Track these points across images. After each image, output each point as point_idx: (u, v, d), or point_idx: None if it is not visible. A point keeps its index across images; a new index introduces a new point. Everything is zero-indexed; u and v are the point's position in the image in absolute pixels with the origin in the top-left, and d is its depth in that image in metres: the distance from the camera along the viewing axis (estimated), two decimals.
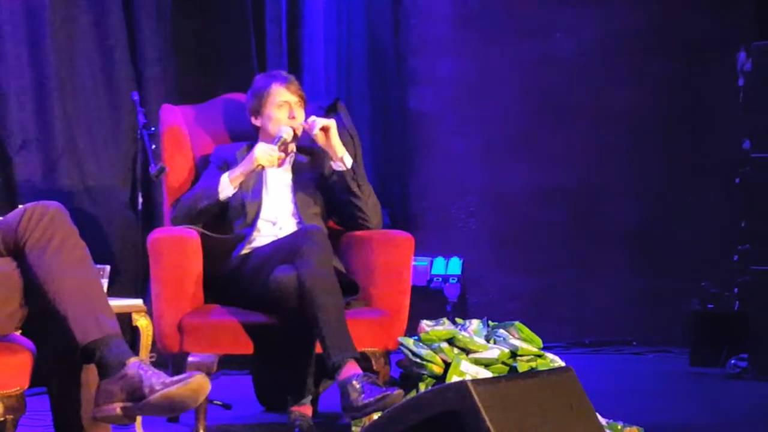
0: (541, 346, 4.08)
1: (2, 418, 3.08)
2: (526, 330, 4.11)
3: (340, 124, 4.45)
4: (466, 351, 3.98)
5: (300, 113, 4.40)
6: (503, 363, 3.97)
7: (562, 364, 3.92)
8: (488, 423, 2.51)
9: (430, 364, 3.96)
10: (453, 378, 3.86)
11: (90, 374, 3.06)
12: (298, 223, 4.31)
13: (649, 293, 6.70)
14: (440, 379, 3.94)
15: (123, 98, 5.44)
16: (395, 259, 4.26)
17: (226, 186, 4.25)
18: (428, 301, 6.63)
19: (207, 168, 4.42)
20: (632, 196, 6.84)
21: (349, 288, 4.12)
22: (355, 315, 4.05)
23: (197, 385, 2.88)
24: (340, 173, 4.31)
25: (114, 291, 4.24)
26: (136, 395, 2.89)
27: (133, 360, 2.93)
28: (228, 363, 5.22)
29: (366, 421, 3.86)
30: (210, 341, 4.03)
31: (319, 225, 4.25)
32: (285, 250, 4.00)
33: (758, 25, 6.41)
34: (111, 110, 5.51)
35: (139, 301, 4.16)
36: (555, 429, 2.74)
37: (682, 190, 6.75)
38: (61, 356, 3.06)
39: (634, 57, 6.84)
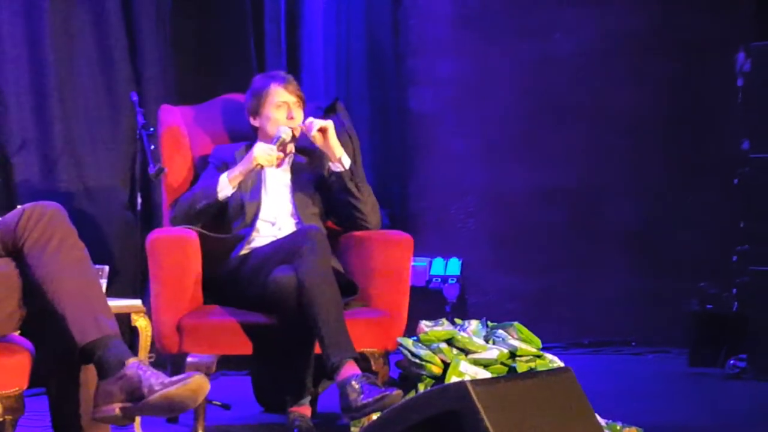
0: (540, 346, 4.08)
1: (1, 419, 3.08)
2: (525, 330, 4.11)
3: (339, 125, 4.45)
4: (465, 351, 3.98)
5: (299, 113, 4.40)
6: (502, 363, 3.97)
7: (561, 364, 3.92)
8: (487, 423, 2.51)
9: (429, 365, 3.96)
10: (452, 378, 3.86)
11: (89, 375, 3.06)
12: (297, 223, 4.31)
13: (648, 293, 6.70)
14: (439, 379, 3.94)
15: (122, 98, 5.44)
16: (394, 260, 4.26)
17: (225, 186, 4.25)
18: (427, 301, 6.63)
19: (206, 168, 4.42)
20: (632, 196, 6.84)
21: (348, 288, 4.12)
22: (354, 315, 4.05)
23: (196, 385, 2.88)
24: (339, 174, 4.31)
25: (113, 291, 4.25)
26: (135, 395, 2.89)
27: (132, 360, 2.93)
28: (227, 363, 5.22)
29: (365, 421, 3.86)
30: (209, 341, 4.03)
31: (318, 225, 4.25)
32: (284, 250, 4.00)
33: (757, 25, 6.41)
34: (110, 110, 5.51)
35: (138, 302, 4.16)
36: (554, 429, 2.74)
37: (682, 191, 6.75)
38: (60, 357, 3.06)
39: (633, 57, 6.84)
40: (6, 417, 3.08)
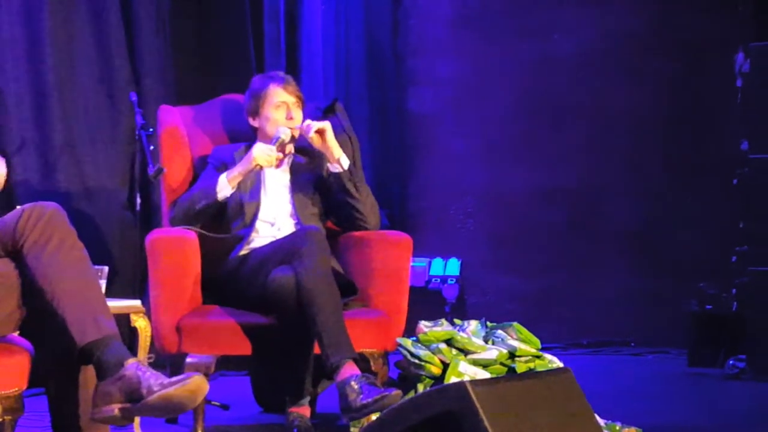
0: (540, 346, 4.08)
1: (1, 419, 3.08)
2: (525, 331, 4.11)
3: (338, 125, 4.45)
4: (465, 352, 3.98)
5: (298, 114, 4.40)
6: (501, 364, 3.96)
7: (561, 364, 3.91)
8: (486, 424, 2.51)
9: (428, 365, 3.95)
10: (451, 379, 3.86)
11: (88, 375, 3.07)
12: (297, 223, 4.31)
13: (647, 294, 6.70)
14: (438, 379, 3.94)
15: (121, 99, 5.44)
16: (393, 260, 4.26)
17: (224, 186, 4.25)
18: (426, 301, 6.63)
19: (205, 169, 4.42)
20: (631, 196, 6.84)
21: (348, 289, 4.12)
22: (354, 316, 4.05)
23: (195, 385, 2.88)
24: (338, 175, 4.31)
25: (112, 292, 4.25)
26: (134, 396, 2.89)
27: (131, 361, 2.93)
28: (226, 364, 5.23)
29: (364, 421, 3.86)
30: (208, 342, 4.02)
31: (317, 226, 4.25)
32: (283, 250, 4.00)
33: (756, 26, 6.41)
34: (109, 111, 5.51)
35: (137, 302, 4.16)
36: (553, 430, 2.74)
37: (681, 191, 6.75)
38: (60, 357, 3.06)
39: (633, 57, 6.85)
40: (5, 417, 3.08)
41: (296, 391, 4.00)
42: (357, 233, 4.36)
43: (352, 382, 3.73)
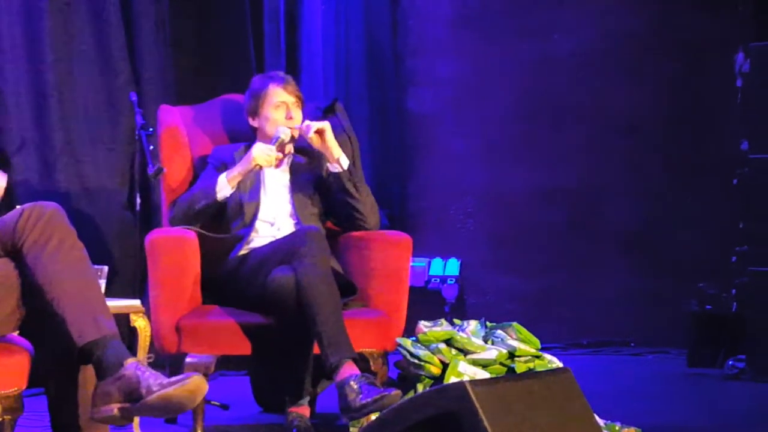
0: (539, 347, 4.08)
1: (0, 419, 3.08)
2: (524, 331, 4.11)
3: (338, 125, 4.45)
4: (464, 352, 3.98)
5: (298, 114, 4.40)
6: (501, 364, 3.97)
7: (560, 364, 3.92)
8: (486, 424, 2.51)
9: (428, 365, 3.96)
10: (451, 379, 3.86)
11: (88, 375, 3.07)
12: (296, 223, 4.31)
13: (647, 294, 6.70)
14: (438, 379, 3.94)
15: (121, 99, 5.44)
16: (393, 260, 4.26)
17: (224, 186, 4.25)
18: (426, 301, 6.63)
19: (205, 169, 4.42)
20: (631, 196, 6.84)
21: (347, 289, 4.12)
22: (353, 315, 4.05)
23: (194, 385, 2.88)
24: (337, 174, 4.31)
25: (112, 292, 4.25)
26: (133, 396, 2.89)
27: (130, 361, 2.93)
28: (226, 363, 5.23)
29: (364, 421, 3.86)
30: (208, 342, 4.02)
31: (317, 226, 4.25)
32: (283, 250, 4.00)
33: (756, 26, 6.41)
34: (109, 111, 5.51)
35: (136, 302, 4.16)
36: (553, 430, 2.74)
37: (681, 191, 6.75)
38: (59, 357, 3.06)
39: (633, 57, 6.84)
40: (5, 417, 3.08)
41: (296, 391, 4.00)
42: (357, 233, 4.36)
43: (352, 382, 3.73)
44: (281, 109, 4.38)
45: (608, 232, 6.85)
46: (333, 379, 3.81)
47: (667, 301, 6.55)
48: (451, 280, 6.80)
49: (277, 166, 4.37)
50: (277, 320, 3.96)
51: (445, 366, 3.94)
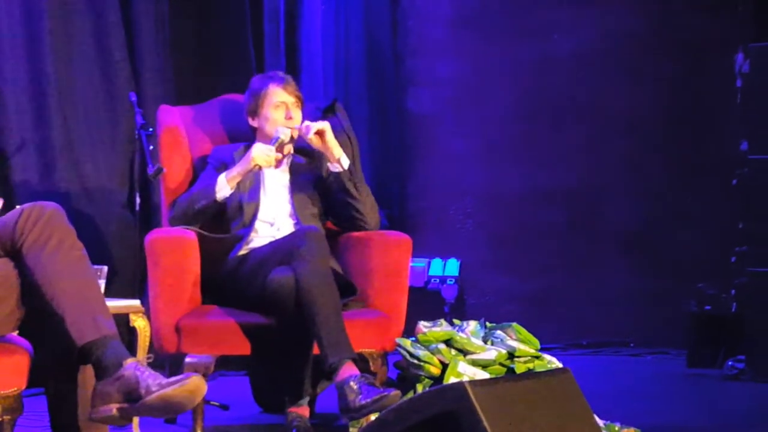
0: (539, 347, 4.08)
1: (0, 419, 3.08)
2: (524, 331, 4.11)
3: (338, 126, 4.45)
4: (464, 352, 3.98)
5: (297, 114, 4.40)
6: (500, 364, 3.97)
7: (560, 365, 3.92)
8: (485, 424, 2.51)
9: (427, 365, 3.96)
10: (450, 379, 3.86)
11: (87, 375, 3.07)
12: (296, 224, 4.31)
13: (647, 294, 6.70)
14: (437, 380, 3.94)
15: (121, 99, 5.44)
16: (393, 260, 4.26)
17: (223, 186, 4.25)
18: (426, 302, 6.63)
19: (204, 169, 4.42)
20: (630, 196, 6.84)
21: (347, 289, 4.12)
22: (353, 316, 4.05)
23: (194, 386, 2.88)
24: (338, 174, 4.31)
25: (111, 292, 4.25)
26: (132, 396, 2.89)
27: (130, 361, 2.93)
28: (225, 364, 5.23)
29: (363, 422, 3.86)
30: (207, 342, 4.02)
31: (316, 226, 4.25)
32: (282, 251, 4.00)
33: (756, 26, 6.41)
34: (109, 111, 5.51)
35: (136, 302, 4.15)
36: (552, 430, 2.74)
37: (681, 191, 6.75)
38: (59, 357, 3.06)
39: (632, 57, 6.84)
40: (5, 417, 3.08)
41: (295, 392, 4.00)
42: (356, 233, 4.36)
43: (351, 383, 3.73)
44: (281, 109, 4.38)
45: (608, 232, 6.85)
46: (332, 380, 3.81)
47: (667, 301, 6.55)
48: (450, 281, 6.80)
49: (277, 166, 4.37)
50: (276, 320, 3.96)
51: (444, 366, 3.95)
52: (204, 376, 3.02)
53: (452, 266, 6.83)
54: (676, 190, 6.76)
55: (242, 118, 4.48)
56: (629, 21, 6.83)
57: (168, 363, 4.28)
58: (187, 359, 4.00)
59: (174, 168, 4.46)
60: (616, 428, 3.96)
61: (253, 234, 4.28)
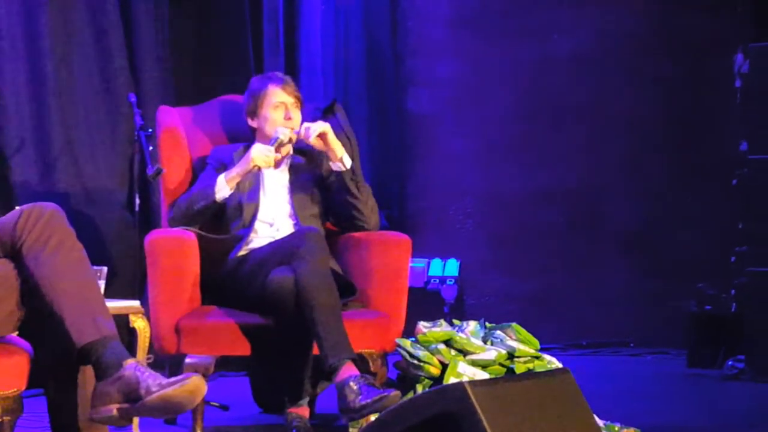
0: (539, 347, 4.08)
1: (0, 420, 3.08)
2: (524, 331, 4.11)
3: (337, 126, 4.45)
4: (464, 352, 3.98)
5: (296, 114, 4.40)
6: (500, 364, 3.96)
7: (560, 365, 3.92)
8: (485, 424, 2.51)
9: (427, 366, 3.95)
10: (450, 379, 3.86)
11: (87, 375, 3.06)
12: (296, 224, 4.31)
13: (646, 294, 6.70)
14: (437, 380, 3.94)
15: (120, 99, 5.44)
16: (392, 261, 4.26)
17: (223, 187, 4.25)
18: (425, 302, 6.63)
19: (204, 169, 4.42)
20: (630, 197, 6.84)
21: (347, 289, 4.12)
22: (353, 316, 4.05)
23: (194, 386, 2.88)
24: (339, 174, 4.31)
25: (111, 292, 4.25)
26: (132, 396, 2.89)
27: (130, 361, 2.93)
28: (225, 364, 5.23)
29: (363, 422, 3.86)
30: (207, 343, 4.03)
31: (316, 226, 4.25)
32: (282, 251, 4.00)
33: (756, 26, 6.41)
34: (108, 112, 5.51)
35: (136, 303, 4.16)
36: (552, 430, 2.74)
37: (681, 192, 6.75)
38: (59, 358, 3.06)
39: (632, 58, 6.84)
40: (5, 418, 3.08)
41: (295, 392, 4.00)
42: (356, 234, 4.36)
43: (351, 383, 3.73)
44: (280, 110, 4.38)
45: (608, 232, 6.85)
46: (332, 380, 3.81)
47: (667, 301, 6.55)
48: (450, 281, 6.79)
49: (276, 166, 4.36)
50: (276, 321, 3.96)
51: (444, 367, 3.94)
52: (204, 376, 3.02)
53: (452, 266, 6.83)
54: (676, 190, 6.76)
55: (241, 119, 4.48)
56: (629, 21, 6.84)
57: (168, 363, 4.28)
58: (187, 360, 4.00)
59: (173, 168, 4.46)
60: (616, 428, 3.96)
61: (252, 234, 4.28)
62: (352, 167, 4.31)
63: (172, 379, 2.88)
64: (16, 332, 3.14)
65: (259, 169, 4.26)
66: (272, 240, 4.21)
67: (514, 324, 4.14)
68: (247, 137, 4.48)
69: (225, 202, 4.28)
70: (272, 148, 4.27)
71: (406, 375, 4.03)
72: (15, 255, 3.02)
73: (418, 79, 7.02)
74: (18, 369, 3.07)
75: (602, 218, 6.87)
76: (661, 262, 6.72)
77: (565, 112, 6.90)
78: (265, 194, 4.35)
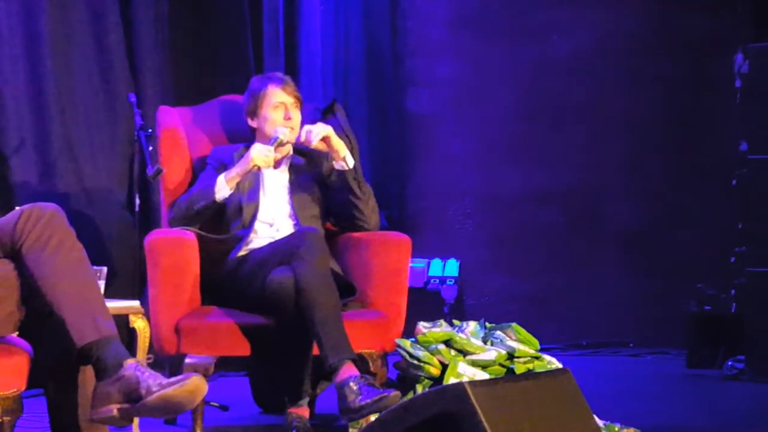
0: (538, 347, 4.08)
1: (0, 420, 3.08)
2: (523, 332, 4.11)
3: (337, 126, 4.45)
4: (463, 353, 3.98)
5: (296, 114, 4.40)
6: (500, 365, 3.97)
7: (559, 365, 3.92)
8: (485, 425, 2.51)
9: (427, 366, 3.95)
10: (450, 380, 3.86)
11: (87, 376, 3.06)
12: (295, 224, 4.31)
13: (646, 294, 6.70)
14: (437, 380, 3.94)
15: (120, 100, 5.44)
16: (392, 261, 4.26)
17: (222, 187, 4.25)
18: (425, 302, 6.63)
19: (204, 169, 4.42)
20: (630, 197, 6.84)
21: (347, 289, 4.12)
22: (353, 316, 4.05)
23: (194, 386, 2.88)
24: (341, 173, 4.31)
25: (111, 293, 4.25)
26: (132, 396, 2.89)
27: (130, 361, 2.93)
28: (225, 364, 5.23)
29: (363, 422, 3.86)
30: (207, 343, 4.03)
31: (316, 226, 4.25)
32: (282, 251, 4.00)
33: (755, 26, 6.41)
34: (108, 112, 5.51)
35: (136, 303, 4.16)
36: (552, 431, 2.74)
37: (680, 192, 6.75)
38: (59, 358, 3.06)
39: (631, 58, 6.84)
40: (4, 418, 3.08)
41: (295, 392, 4.00)
42: (356, 234, 4.36)
43: (351, 383, 3.73)
44: (280, 110, 4.38)
45: (608, 232, 6.85)
46: (332, 380, 3.81)
47: (667, 301, 6.55)
48: (450, 281, 6.79)
49: (276, 166, 4.36)
50: (276, 321, 3.96)
51: (444, 367, 3.94)
52: (204, 376, 3.02)
53: (452, 267, 6.83)
54: (676, 190, 6.76)
55: (241, 119, 4.48)
56: (629, 21, 6.84)
57: (168, 363, 4.27)
58: (187, 360, 4.00)
59: (173, 169, 4.46)
60: (616, 428, 3.96)
61: (252, 235, 4.28)
62: (354, 166, 4.31)
63: (173, 379, 2.88)
64: (16, 332, 3.14)
65: (259, 168, 4.26)
66: (272, 240, 4.21)
67: (514, 324, 4.14)
68: (247, 137, 4.48)
69: (225, 203, 4.28)
70: (272, 148, 4.27)
71: (406, 375, 4.03)
72: (15, 255, 3.02)
73: (417, 80, 7.02)
74: (18, 369, 3.07)
75: (602, 218, 6.87)
76: (660, 262, 6.72)
77: (565, 112, 6.90)
78: (264, 194, 4.35)
